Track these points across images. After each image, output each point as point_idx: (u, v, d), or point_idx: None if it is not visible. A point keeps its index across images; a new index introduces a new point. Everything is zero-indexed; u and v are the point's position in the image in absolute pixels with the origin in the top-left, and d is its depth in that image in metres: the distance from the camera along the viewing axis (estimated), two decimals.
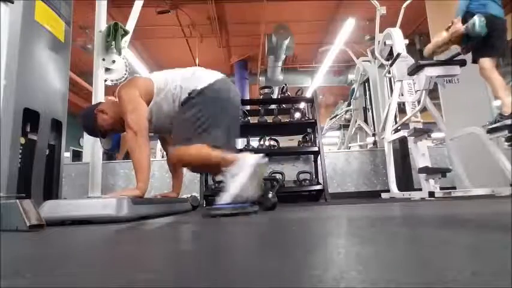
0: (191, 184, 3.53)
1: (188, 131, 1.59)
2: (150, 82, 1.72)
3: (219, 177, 3.27)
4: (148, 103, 1.69)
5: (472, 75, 2.81)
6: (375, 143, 4.54)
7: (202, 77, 1.69)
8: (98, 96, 2.32)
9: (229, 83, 1.77)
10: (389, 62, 3.19)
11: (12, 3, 1.48)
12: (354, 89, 5.38)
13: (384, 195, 3.04)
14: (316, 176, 3.33)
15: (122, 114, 1.66)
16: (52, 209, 1.28)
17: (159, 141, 2.39)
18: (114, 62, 2.37)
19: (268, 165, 1.45)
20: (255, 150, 3.33)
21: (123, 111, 1.64)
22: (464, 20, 2.61)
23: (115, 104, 1.79)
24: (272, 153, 3.41)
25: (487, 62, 2.56)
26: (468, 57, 2.67)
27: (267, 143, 3.37)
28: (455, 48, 2.74)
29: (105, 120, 1.80)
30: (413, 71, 2.84)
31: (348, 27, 6.27)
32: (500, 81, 2.52)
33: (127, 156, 3.85)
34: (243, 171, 1.41)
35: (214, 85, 1.66)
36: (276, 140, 3.45)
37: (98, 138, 2.05)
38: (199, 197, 2.68)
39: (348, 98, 5.82)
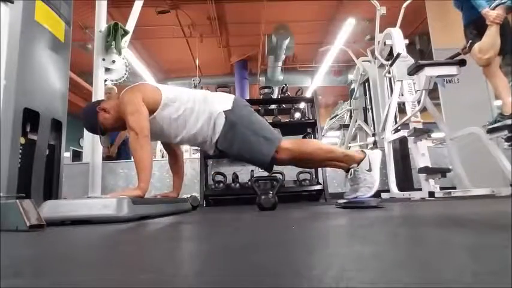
0: (191, 184, 3.53)
1: (267, 133, 1.69)
2: (158, 92, 1.73)
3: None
4: (151, 110, 1.70)
5: (472, 75, 2.81)
6: (375, 143, 4.53)
7: (223, 98, 1.80)
8: (98, 96, 2.32)
9: (240, 98, 1.90)
10: (389, 62, 3.19)
11: (12, 3, 1.48)
12: (353, 89, 5.38)
13: (383, 195, 3.04)
14: (316, 176, 3.33)
15: (124, 116, 1.67)
16: (52, 209, 1.28)
17: (159, 141, 2.39)
18: (114, 62, 2.37)
19: None
20: None
21: (125, 113, 1.66)
22: (467, 27, 2.62)
23: (117, 103, 1.80)
24: None
25: (494, 62, 2.55)
26: (468, 56, 2.67)
27: None
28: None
29: (107, 119, 1.81)
30: (413, 71, 2.84)
31: (348, 27, 6.27)
32: (503, 81, 2.52)
33: (121, 156, 3.84)
34: (376, 167, 1.60)
35: (236, 101, 1.79)
36: None
37: (98, 136, 2.05)
38: (199, 197, 2.68)
39: (349, 98, 5.81)
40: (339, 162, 1.72)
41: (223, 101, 1.76)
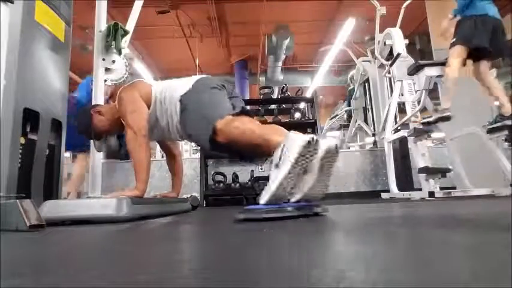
0: (191, 184, 3.53)
1: (209, 113, 1.43)
2: (150, 88, 1.73)
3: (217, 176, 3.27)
4: (147, 107, 1.70)
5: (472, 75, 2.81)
6: (374, 143, 4.53)
7: (185, 82, 1.65)
8: (98, 96, 2.31)
9: (208, 79, 1.67)
10: (389, 62, 3.19)
11: (12, 3, 1.48)
12: (351, 89, 5.40)
13: (384, 195, 3.04)
14: None
15: (122, 114, 1.67)
16: (52, 209, 1.28)
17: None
18: (114, 62, 2.37)
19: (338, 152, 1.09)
20: None
21: (124, 112, 1.65)
22: (459, 24, 2.64)
23: (112, 107, 1.81)
24: None
25: (482, 65, 2.59)
26: None
27: None
28: None
29: (101, 121, 1.79)
30: (413, 71, 2.84)
31: (348, 27, 6.27)
32: (496, 83, 2.56)
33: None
34: (286, 162, 1.06)
35: (196, 83, 1.62)
36: None
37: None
38: (199, 197, 2.68)
39: (346, 98, 5.79)
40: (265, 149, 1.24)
41: (183, 86, 1.62)
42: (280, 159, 1.08)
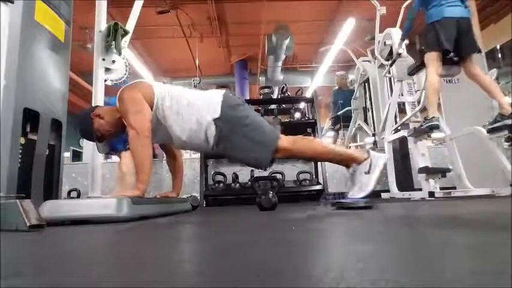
0: (191, 184, 3.54)
1: (261, 137, 1.63)
2: (152, 89, 1.71)
3: (215, 178, 3.26)
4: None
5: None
6: (374, 143, 4.53)
7: (211, 103, 1.68)
8: (98, 96, 2.31)
9: (232, 97, 1.78)
10: (389, 62, 3.19)
11: (12, 3, 1.48)
12: (334, 92, 5.39)
13: (384, 195, 3.04)
14: (316, 176, 3.33)
15: (124, 115, 1.66)
16: (52, 209, 1.28)
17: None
18: (114, 62, 2.37)
19: None
20: None
21: (126, 112, 1.64)
22: (424, 33, 2.69)
23: (111, 109, 1.81)
24: None
25: (469, 66, 2.61)
26: None
27: None
28: None
29: (102, 125, 1.79)
30: (413, 71, 2.85)
31: (348, 27, 6.27)
32: (491, 83, 2.57)
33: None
34: (375, 170, 1.58)
35: (224, 103, 1.68)
36: None
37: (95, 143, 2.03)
38: (199, 197, 2.68)
39: (331, 110, 5.52)
40: (337, 162, 1.74)
41: (211, 107, 1.66)
42: (370, 168, 1.59)
